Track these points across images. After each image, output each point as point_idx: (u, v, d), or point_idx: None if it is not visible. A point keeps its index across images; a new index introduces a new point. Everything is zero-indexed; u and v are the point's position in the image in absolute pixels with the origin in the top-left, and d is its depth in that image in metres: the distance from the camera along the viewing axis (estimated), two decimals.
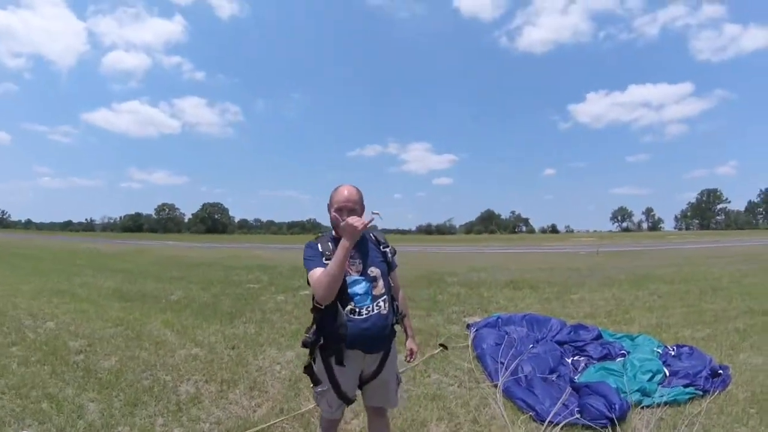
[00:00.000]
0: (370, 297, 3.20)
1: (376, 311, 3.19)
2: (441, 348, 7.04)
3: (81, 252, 34.82)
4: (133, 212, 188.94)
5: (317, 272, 3.08)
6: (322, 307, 3.14)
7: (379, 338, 3.24)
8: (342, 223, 3.03)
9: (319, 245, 3.26)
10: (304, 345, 3.25)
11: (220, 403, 5.38)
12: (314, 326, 3.24)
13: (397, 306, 3.52)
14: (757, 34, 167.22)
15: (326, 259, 3.13)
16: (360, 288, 3.20)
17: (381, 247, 3.50)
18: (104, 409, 5.18)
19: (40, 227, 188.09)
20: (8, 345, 7.67)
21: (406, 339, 3.76)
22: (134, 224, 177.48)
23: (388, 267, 3.45)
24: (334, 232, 3.35)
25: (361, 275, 3.24)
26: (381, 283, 3.30)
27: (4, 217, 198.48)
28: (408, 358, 3.75)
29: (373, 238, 3.53)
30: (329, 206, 3.35)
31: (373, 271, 3.29)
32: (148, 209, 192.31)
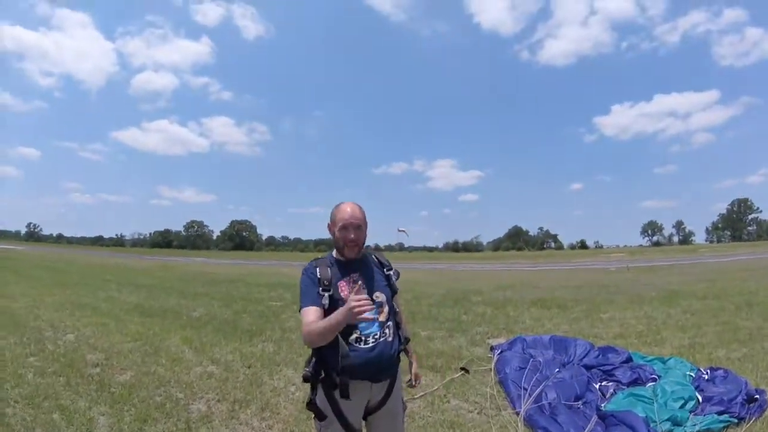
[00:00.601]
0: (376, 324, 3.03)
1: (382, 339, 3.04)
2: (462, 371, 6.82)
3: (109, 267, 35.04)
4: (162, 229, 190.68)
5: (310, 315, 2.90)
6: None
7: (386, 367, 3.08)
8: (349, 305, 2.64)
9: (318, 271, 3.07)
10: (305, 380, 3.00)
11: (230, 423, 5.24)
12: (313, 358, 3.03)
13: (401, 332, 3.33)
14: None
15: (324, 289, 2.98)
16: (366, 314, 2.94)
17: (384, 269, 3.33)
18: (114, 424, 5.11)
19: (71, 241, 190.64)
20: (26, 355, 7.70)
21: (410, 364, 3.60)
22: (164, 240, 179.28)
23: (392, 291, 3.29)
24: (335, 253, 3.25)
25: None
26: (386, 308, 3.14)
27: (36, 230, 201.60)
28: (414, 383, 3.62)
29: (375, 260, 3.37)
30: (330, 225, 3.20)
31: (379, 296, 3.13)
32: (178, 226, 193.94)
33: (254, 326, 10.67)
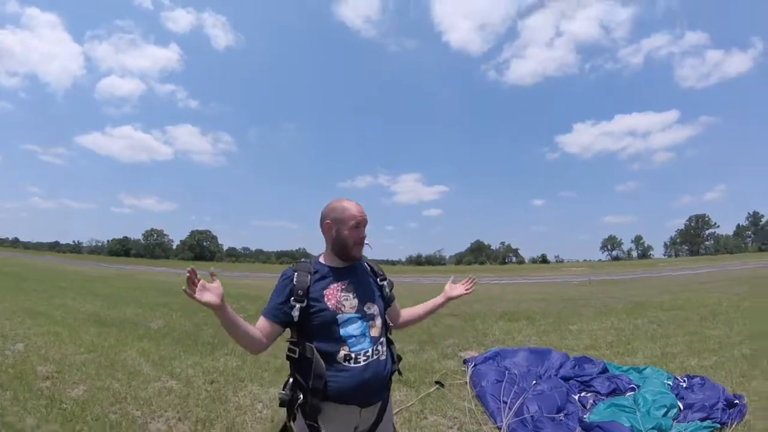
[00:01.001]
0: (368, 339, 2.68)
1: (375, 357, 2.67)
2: (437, 385, 6.56)
3: (66, 273, 34.14)
4: (121, 236, 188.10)
5: (258, 323, 2.68)
6: (296, 356, 2.65)
7: (378, 389, 2.72)
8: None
9: (295, 276, 2.71)
10: (281, 404, 2.65)
11: None
12: (290, 379, 2.69)
13: (394, 349, 2.96)
14: (739, 59, 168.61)
15: (296, 299, 2.63)
16: (355, 328, 2.66)
17: (378, 279, 3.00)
18: None
19: (27, 246, 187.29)
20: None
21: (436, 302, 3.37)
22: (122, 248, 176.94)
23: (386, 303, 2.97)
24: (322, 258, 2.92)
25: (356, 312, 2.70)
26: (379, 322, 2.80)
27: None
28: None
29: (368, 268, 3.01)
30: (330, 224, 2.83)
31: (371, 307, 2.78)
32: (137, 234, 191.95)
33: (216, 338, 10.21)
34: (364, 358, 2.61)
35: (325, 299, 2.67)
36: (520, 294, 23.89)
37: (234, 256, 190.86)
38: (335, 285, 2.74)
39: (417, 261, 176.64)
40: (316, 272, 2.77)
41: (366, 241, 2.83)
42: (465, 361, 8.13)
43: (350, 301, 2.70)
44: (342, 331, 2.61)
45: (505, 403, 5.81)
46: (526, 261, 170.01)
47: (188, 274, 2.37)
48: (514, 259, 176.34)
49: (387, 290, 2.99)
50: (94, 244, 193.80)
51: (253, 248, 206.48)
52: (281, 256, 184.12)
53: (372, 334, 2.70)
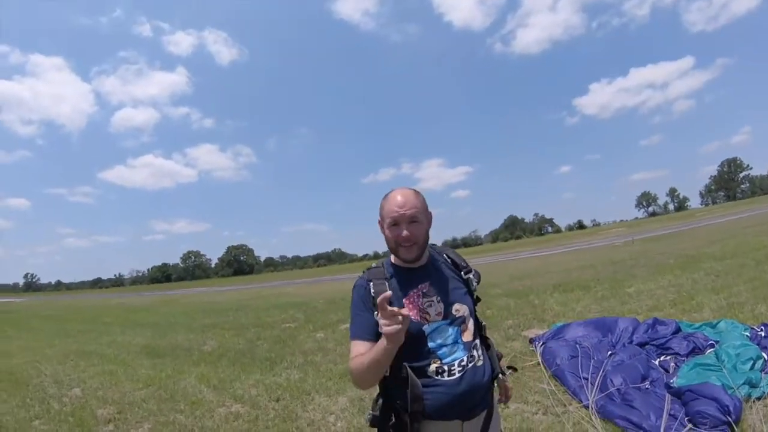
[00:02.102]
0: (461, 346, 2.26)
1: (471, 364, 2.25)
2: (510, 370, 6.26)
3: (110, 308, 34.39)
4: (159, 263, 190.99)
5: (356, 349, 2.20)
6: (388, 374, 2.24)
7: (479, 399, 2.28)
8: (383, 327, 1.94)
9: (371, 287, 2.26)
10: (371, 424, 2.29)
11: None
12: (380, 399, 2.30)
13: (492, 351, 2.51)
14: None
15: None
16: (445, 336, 2.25)
17: (462, 273, 2.46)
18: None
19: (70, 287, 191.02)
20: (30, 419, 7.02)
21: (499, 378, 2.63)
22: (162, 275, 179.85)
23: (472, 298, 2.44)
24: (393, 258, 2.41)
25: (444, 318, 2.28)
26: (471, 323, 2.35)
27: (34, 280, 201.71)
28: (501, 399, 2.70)
29: (448, 260, 2.50)
30: (380, 222, 2.38)
31: (459, 309, 2.31)
32: (175, 258, 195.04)
33: (272, 353, 10.06)
34: (459, 368, 2.21)
35: (406, 309, 2.18)
36: (565, 263, 23.64)
37: (272, 265, 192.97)
38: (414, 291, 2.31)
39: (453, 245, 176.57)
40: (391, 276, 2.34)
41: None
42: (531, 341, 7.86)
43: (435, 307, 2.28)
44: (431, 344, 2.23)
45: (586, 379, 5.54)
46: (563, 229, 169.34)
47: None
48: (549, 229, 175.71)
49: (474, 284, 2.44)
50: (135, 274, 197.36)
51: (289, 255, 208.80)
52: (318, 259, 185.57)
53: (464, 339, 2.28)
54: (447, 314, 2.27)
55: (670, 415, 4.42)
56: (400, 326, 1.90)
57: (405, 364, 2.18)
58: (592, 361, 5.99)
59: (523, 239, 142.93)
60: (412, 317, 2.18)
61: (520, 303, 12.33)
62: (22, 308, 46.44)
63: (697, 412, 4.26)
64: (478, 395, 2.26)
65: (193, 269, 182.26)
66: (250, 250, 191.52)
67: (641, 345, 6.52)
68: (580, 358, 6.14)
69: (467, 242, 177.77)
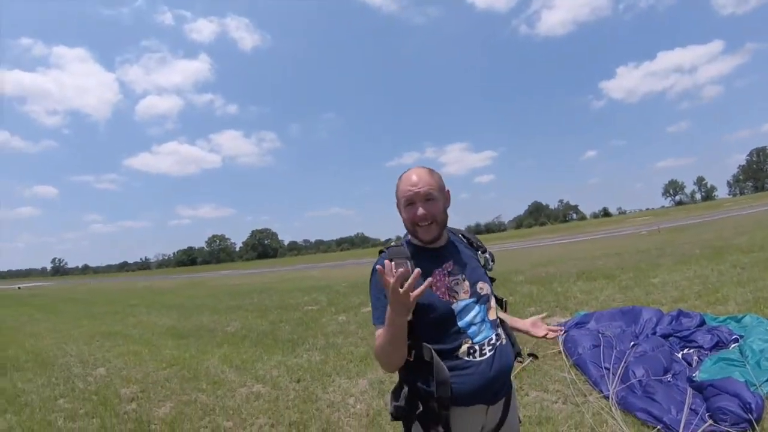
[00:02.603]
0: (488, 325, 2.16)
1: (498, 342, 2.16)
2: (531, 358, 6.23)
3: (136, 291, 34.83)
4: (185, 247, 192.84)
5: (378, 335, 2.04)
6: (412, 359, 2.09)
7: (506, 380, 2.21)
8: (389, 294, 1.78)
9: (393, 267, 1.91)
10: (395, 417, 2.15)
11: None
12: (405, 387, 2.14)
13: (509, 330, 2.37)
14: None
15: None
16: (474, 315, 2.14)
17: (479, 252, 2.38)
18: None
19: (97, 271, 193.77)
20: (55, 397, 7.13)
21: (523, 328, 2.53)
22: (188, 258, 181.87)
23: (491, 279, 2.37)
24: (410, 237, 2.30)
25: (471, 296, 2.17)
26: (493, 302, 2.28)
27: (61, 265, 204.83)
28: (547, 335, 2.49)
29: (463, 239, 2.43)
30: (397, 205, 2.30)
31: (483, 287, 2.22)
32: (200, 242, 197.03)
33: (295, 335, 10.14)
34: (490, 347, 2.11)
35: (434, 289, 2.13)
36: (590, 251, 23.40)
37: (295, 249, 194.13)
38: (439, 270, 2.19)
39: (476, 230, 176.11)
40: (411, 257, 2.15)
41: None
42: None
43: (461, 285, 2.16)
44: (460, 323, 2.10)
45: (608, 369, 5.45)
46: (588, 216, 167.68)
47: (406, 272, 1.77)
48: (574, 216, 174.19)
49: (490, 264, 2.35)
50: (161, 258, 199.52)
51: (312, 239, 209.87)
52: (341, 243, 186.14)
53: (491, 318, 2.19)
54: (473, 293, 2.18)
55: (691, 409, 4.33)
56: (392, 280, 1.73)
57: (428, 346, 2.06)
58: (614, 351, 5.90)
59: (548, 226, 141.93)
60: (441, 296, 2.12)
61: (543, 290, 12.24)
62: (50, 292, 47.22)
63: (718, 408, 4.18)
64: (506, 376, 2.19)
65: (217, 253, 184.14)
66: (274, 234, 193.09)
67: (665, 337, 6.40)
68: (602, 347, 6.04)
69: (490, 228, 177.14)
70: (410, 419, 2.13)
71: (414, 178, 2.21)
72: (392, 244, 2.36)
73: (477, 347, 2.09)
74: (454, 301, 2.13)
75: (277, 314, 13.60)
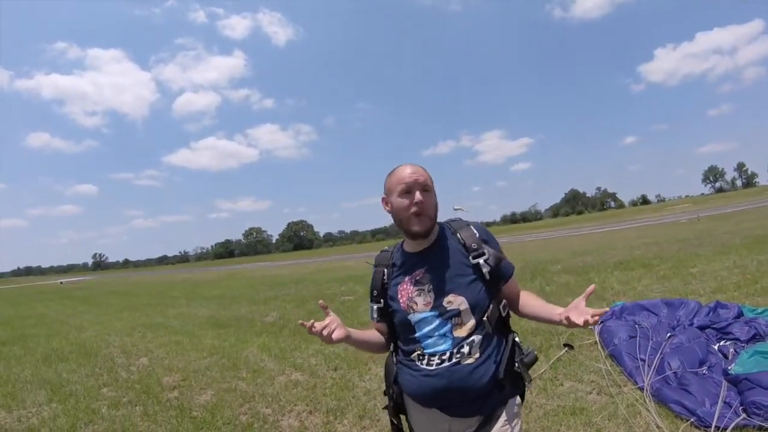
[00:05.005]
0: (449, 340, 2.07)
1: (454, 360, 2.05)
2: (566, 348, 6.24)
3: (176, 283, 35.35)
4: (223, 239, 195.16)
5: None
6: (391, 349, 2.39)
7: (465, 399, 2.09)
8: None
9: (374, 272, 2.32)
10: (385, 407, 2.46)
11: None
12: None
13: (512, 347, 2.20)
14: None
15: (372, 300, 2.31)
16: (430, 328, 2.11)
17: (470, 255, 2.17)
18: None
19: (137, 265, 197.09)
20: (99, 387, 7.32)
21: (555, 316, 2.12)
22: (225, 251, 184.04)
23: (489, 285, 2.16)
24: (404, 243, 2.32)
25: (432, 309, 2.11)
26: (469, 317, 2.09)
27: (102, 260, 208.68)
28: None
29: (460, 241, 2.23)
30: (385, 198, 2.26)
31: (452, 301, 2.09)
32: (237, 235, 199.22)
33: None
34: (438, 361, 2.07)
35: (398, 296, 2.20)
36: (628, 240, 23.11)
37: (331, 240, 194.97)
38: (408, 277, 2.21)
39: (512, 219, 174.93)
40: (394, 264, 2.29)
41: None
42: None
43: (424, 296, 2.13)
44: (418, 332, 2.13)
45: (643, 360, 5.40)
46: (626, 204, 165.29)
47: (307, 325, 2.04)
48: (612, 204, 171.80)
49: (485, 269, 2.15)
50: (199, 251, 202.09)
51: (348, 230, 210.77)
52: (376, 234, 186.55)
53: (456, 334, 2.07)
54: (436, 305, 2.10)
55: (725, 402, 4.28)
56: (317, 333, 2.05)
57: (395, 348, 2.31)
58: (650, 342, 5.84)
59: (585, 214, 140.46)
60: (402, 305, 2.17)
61: (580, 280, 12.18)
62: (92, 285, 48.16)
63: (752, 402, 4.12)
64: (464, 395, 2.08)
65: (255, 245, 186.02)
66: (310, 226, 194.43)
67: (701, 328, 6.28)
68: (638, 338, 5.99)
69: (527, 217, 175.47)
70: (388, 411, 2.40)
71: (411, 168, 2.18)
72: (385, 248, 2.42)
73: (426, 356, 2.10)
74: (411, 311, 2.14)
75: (314, 304, 13.65)
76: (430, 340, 2.08)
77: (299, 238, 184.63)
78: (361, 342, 2.31)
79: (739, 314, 6.55)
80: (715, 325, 6.27)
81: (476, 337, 2.08)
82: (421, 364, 2.09)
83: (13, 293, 46.87)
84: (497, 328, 2.18)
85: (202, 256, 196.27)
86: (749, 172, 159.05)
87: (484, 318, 2.12)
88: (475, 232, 2.24)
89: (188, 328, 12.12)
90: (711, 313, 6.71)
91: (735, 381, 4.61)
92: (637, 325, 6.49)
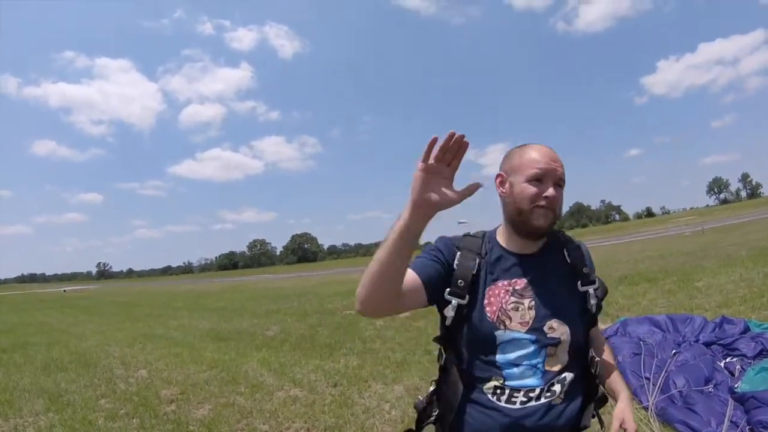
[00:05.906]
0: (539, 373, 1.66)
1: (545, 400, 1.65)
2: None
3: (179, 294, 35.31)
4: (227, 251, 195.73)
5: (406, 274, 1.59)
6: (441, 363, 1.79)
7: None
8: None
9: (457, 257, 1.75)
10: (416, 407, 1.83)
11: None
12: (432, 385, 1.85)
13: (596, 386, 1.84)
14: None
15: (452, 293, 1.69)
16: (520, 355, 1.66)
17: (580, 282, 1.78)
18: None
19: (141, 274, 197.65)
20: (97, 398, 7.23)
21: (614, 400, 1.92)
22: (229, 262, 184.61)
23: (587, 320, 1.82)
24: (499, 235, 1.86)
25: (528, 332, 1.68)
26: (564, 352, 1.71)
27: (106, 268, 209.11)
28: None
29: (567, 259, 1.82)
30: (502, 177, 1.80)
31: (556, 328, 1.68)
32: (241, 246, 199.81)
33: (332, 339, 10.18)
34: (524, 398, 1.64)
35: (486, 298, 1.71)
36: (632, 254, 23.02)
37: (335, 253, 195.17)
38: (504, 282, 1.74)
39: None
40: (486, 255, 1.79)
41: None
42: None
43: (522, 312, 1.68)
44: (499, 356, 1.67)
45: (648, 378, 5.31)
46: (631, 217, 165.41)
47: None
48: (617, 216, 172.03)
49: (593, 301, 1.78)
50: (203, 262, 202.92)
51: (351, 243, 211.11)
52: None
53: (548, 368, 1.67)
54: (535, 328, 1.68)
55: (731, 422, 4.20)
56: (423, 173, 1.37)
57: (462, 358, 1.73)
58: (655, 359, 5.74)
59: (589, 227, 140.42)
60: (488, 315, 1.70)
61: None
62: (95, 294, 48.16)
63: (759, 422, 4.03)
64: None
65: (258, 257, 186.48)
66: (314, 239, 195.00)
67: (707, 344, 6.19)
68: (643, 356, 5.89)
69: None
70: (423, 419, 1.82)
71: (550, 153, 1.73)
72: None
73: (508, 391, 1.66)
74: (502, 328, 1.68)
75: (315, 318, 13.68)
76: (515, 370, 1.66)
77: (303, 251, 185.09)
78: (404, 257, 1.46)
79: (746, 329, 6.50)
80: (721, 341, 6.20)
81: (569, 376, 1.71)
82: (499, 400, 1.65)
83: (18, 300, 46.97)
84: (580, 372, 1.78)
85: (206, 267, 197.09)
86: (753, 183, 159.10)
87: (581, 355, 1.78)
88: (584, 253, 1.87)
89: (189, 340, 12.03)
90: (717, 329, 6.66)
91: (741, 399, 4.51)
92: (641, 342, 6.40)
